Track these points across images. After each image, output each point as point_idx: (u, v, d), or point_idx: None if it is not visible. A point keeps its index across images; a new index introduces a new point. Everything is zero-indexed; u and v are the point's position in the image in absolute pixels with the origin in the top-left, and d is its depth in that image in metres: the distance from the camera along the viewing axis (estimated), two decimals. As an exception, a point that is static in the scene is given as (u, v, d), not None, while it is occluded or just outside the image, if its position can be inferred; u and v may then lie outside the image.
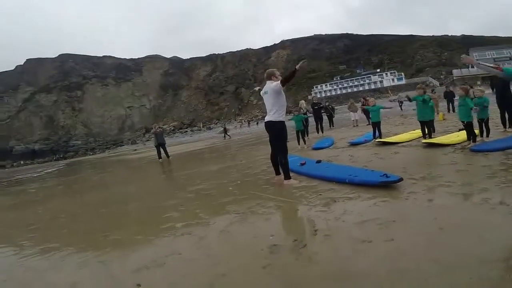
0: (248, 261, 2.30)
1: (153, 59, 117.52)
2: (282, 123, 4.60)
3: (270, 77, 4.70)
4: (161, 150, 13.17)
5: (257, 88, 7.14)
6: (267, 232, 2.80)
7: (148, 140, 65.84)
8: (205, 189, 5.35)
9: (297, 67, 4.31)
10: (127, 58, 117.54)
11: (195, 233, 3.08)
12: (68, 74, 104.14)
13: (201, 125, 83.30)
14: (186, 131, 76.17)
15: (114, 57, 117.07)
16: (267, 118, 4.70)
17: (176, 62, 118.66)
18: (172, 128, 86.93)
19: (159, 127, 15.53)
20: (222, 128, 29.64)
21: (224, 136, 26.68)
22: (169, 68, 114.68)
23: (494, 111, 6.68)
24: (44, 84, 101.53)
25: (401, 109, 19.16)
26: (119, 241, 3.30)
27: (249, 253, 2.42)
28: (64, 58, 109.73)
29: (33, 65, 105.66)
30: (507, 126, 6.80)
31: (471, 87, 8.26)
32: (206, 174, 7.19)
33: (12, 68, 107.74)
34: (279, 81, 4.47)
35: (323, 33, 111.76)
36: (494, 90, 7.06)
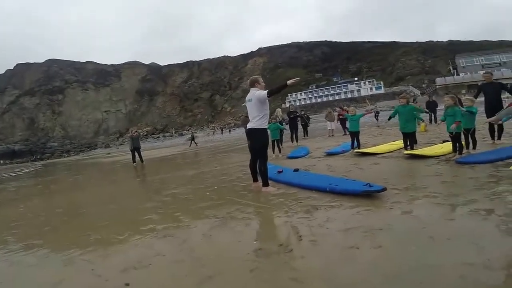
0: (235, 264, 2.27)
1: (133, 65, 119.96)
2: (264, 131, 4.62)
3: (254, 84, 4.66)
4: (136, 154, 13.26)
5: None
6: (250, 236, 2.80)
7: (121, 144, 67.57)
8: (182, 193, 5.33)
9: (288, 82, 4.27)
10: (108, 64, 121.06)
11: (177, 236, 3.07)
12: (52, 79, 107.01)
13: (173, 131, 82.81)
14: (159, 137, 76.42)
15: (96, 62, 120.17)
16: (249, 125, 4.67)
17: (154, 68, 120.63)
18: (145, 133, 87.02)
19: (136, 131, 15.32)
20: (190, 135, 29.15)
21: (190, 144, 26.20)
22: (147, 74, 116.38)
23: (479, 122, 6.62)
24: (29, 87, 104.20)
25: (377, 119, 19.37)
26: (101, 240, 3.28)
27: (235, 256, 2.40)
28: (50, 63, 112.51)
29: (22, 69, 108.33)
30: (496, 138, 6.63)
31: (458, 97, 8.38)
32: (181, 179, 7.11)
33: (2, 72, 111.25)
34: (266, 92, 4.43)
35: (301, 41, 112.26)
36: (484, 99, 6.91)
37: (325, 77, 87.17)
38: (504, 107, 4.67)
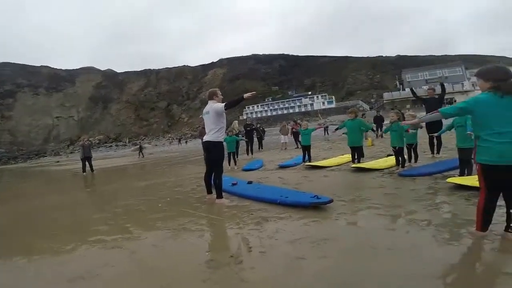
0: (187, 274, 2.28)
1: (88, 71, 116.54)
2: (220, 144, 4.65)
3: (212, 96, 4.70)
4: (87, 163, 12.95)
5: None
6: (202, 248, 2.83)
7: (72, 153, 63.46)
8: (134, 204, 5.22)
9: (245, 96, 4.38)
10: (63, 68, 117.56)
11: (126, 247, 3.02)
12: (3, 82, 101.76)
13: (127, 140, 79.13)
14: (111, 146, 72.25)
15: (50, 67, 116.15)
16: (205, 138, 4.68)
17: (110, 75, 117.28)
18: (97, 141, 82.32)
19: (87, 139, 14.77)
20: (138, 146, 27.60)
21: (139, 155, 24.87)
22: (102, 80, 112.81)
23: (421, 137, 7.10)
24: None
25: (327, 133, 20.09)
26: (48, 250, 3.24)
27: (186, 267, 2.41)
28: (2, 66, 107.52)
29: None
30: (435, 152, 7.07)
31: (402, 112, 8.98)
32: (133, 190, 6.97)
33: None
34: (224, 104, 4.49)
35: (261, 53, 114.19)
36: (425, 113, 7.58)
37: (281, 90, 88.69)
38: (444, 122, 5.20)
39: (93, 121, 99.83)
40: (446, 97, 8.43)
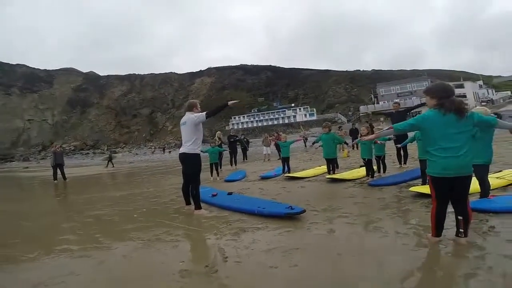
0: (157, 284, 2.27)
1: (68, 72, 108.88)
2: (196, 156, 4.59)
3: (192, 108, 4.69)
4: (58, 171, 12.56)
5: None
6: (176, 258, 2.79)
7: (43, 159, 59.08)
8: (107, 214, 5.07)
9: (229, 103, 4.44)
10: (41, 68, 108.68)
11: (94, 257, 2.96)
12: None
13: (105, 148, 76.03)
14: (88, 153, 68.77)
15: (27, 66, 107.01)
16: (181, 150, 4.64)
17: (91, 77, 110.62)
18: (73, 148, 78.41)
19: (60, 146, 14.28)
20: (107, 156, 25.95)
21: (107, 165, 23.66)
22: (83, 83, 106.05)
23: (391, 149, 7.59)
24: None
25: (305, 145, 20.51)
26: (8, 257, 3.14)
27: (157, 277, 2.40)
28: None
29: None
30: (403, 162, 7.59)
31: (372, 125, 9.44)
32: (107, 200, 6.71)
33: None
34: (205, 113, 4.46)
35: (249, 64, 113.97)
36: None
37: (266, 101, 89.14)
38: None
39: (69, 126, 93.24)
40: (416, 110, 8.96)
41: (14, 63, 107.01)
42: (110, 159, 24.60)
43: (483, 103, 48.67)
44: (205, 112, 4.48)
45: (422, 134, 2.65)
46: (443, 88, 2.57)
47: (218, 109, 4.54)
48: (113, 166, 23.10)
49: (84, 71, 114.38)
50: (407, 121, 2.76)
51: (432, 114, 2.52)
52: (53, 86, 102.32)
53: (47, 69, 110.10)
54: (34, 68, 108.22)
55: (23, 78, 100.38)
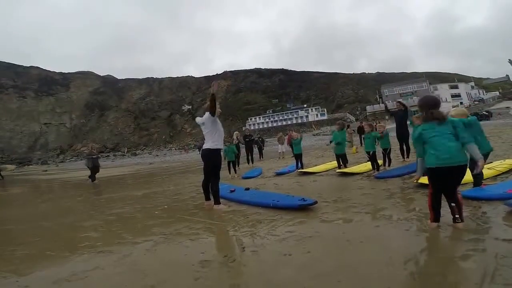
0: (179, 274, 2.37)
1: (85, 75, 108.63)
2: (217, 151, 4.83)
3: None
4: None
5: (185, 108, 7.24)
6: (197, 250, 2.89)
7: (62, 162, 58.45)
8: (128, 212, 5.22)
9: (212, 91, 4.77)
10: (57, 71, 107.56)
11: (117, 252, 3.03)
12: None
13: (126, 150, 77.20)
14: (108, 155, 68.47)
15: (41, 68, 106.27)
16: (204, 146, 4.90)
17: (109, 81, 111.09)
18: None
19: (92, 146, 13.96)
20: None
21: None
22: (101, 86, 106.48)
23: (394, 143, 7.90)
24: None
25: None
26: (30, 255, 3.18)
27: (179, 268, 2.50)
28: None
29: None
30: (405, 156, 8.03)
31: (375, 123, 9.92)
32: (129, 199, 6.82)
33: None
34: (208, 113, 4.75)
35: (263, 68, 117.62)
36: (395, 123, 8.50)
37: (280, 103, 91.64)
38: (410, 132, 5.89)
39: (88, 129, 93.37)
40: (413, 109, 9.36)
41: (27, 65, 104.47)
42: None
43: (475, 102, 56.83)
44: (208, 112, 4.77)
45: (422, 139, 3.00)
46: (425, 101, 3.03)
47: (211, 101, 4.67)
48: (3, 179, 20.25)
49: (102, 75, 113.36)
50: (417, 144, 3.05)
51: (421, 127, 2.97)
52: (70, 89, 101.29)
53: (63, 71, 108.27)
54: (49, 70, 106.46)
55: (38, 80, 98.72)
